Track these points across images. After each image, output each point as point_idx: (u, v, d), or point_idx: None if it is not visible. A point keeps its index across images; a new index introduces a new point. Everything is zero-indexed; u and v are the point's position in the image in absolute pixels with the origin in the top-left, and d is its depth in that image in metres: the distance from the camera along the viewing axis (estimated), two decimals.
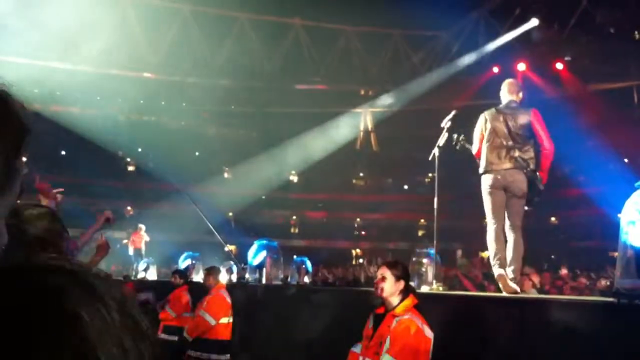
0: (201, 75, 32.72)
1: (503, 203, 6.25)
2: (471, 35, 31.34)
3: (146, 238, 20.49)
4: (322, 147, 34.94)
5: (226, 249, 14.99)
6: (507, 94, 6.57)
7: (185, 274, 11.28)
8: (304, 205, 36.77)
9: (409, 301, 4.30)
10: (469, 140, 6.78)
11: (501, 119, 6.34)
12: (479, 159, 6.45)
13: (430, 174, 25.56)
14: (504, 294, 5.88)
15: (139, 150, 35.72)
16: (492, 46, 29.99)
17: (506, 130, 6.28)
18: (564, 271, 11.47)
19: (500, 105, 6.55)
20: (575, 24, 27.73)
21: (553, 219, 32.11)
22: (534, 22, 28.07)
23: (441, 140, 7.03)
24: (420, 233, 33.23)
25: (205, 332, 7.99)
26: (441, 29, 33.05)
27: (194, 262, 15.66)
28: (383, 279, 4.36)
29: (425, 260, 8.56)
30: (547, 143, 6.29)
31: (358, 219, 39.23)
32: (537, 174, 6.23)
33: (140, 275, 17.25)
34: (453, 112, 7.17)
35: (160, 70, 32.43)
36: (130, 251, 20.26)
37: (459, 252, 16.01)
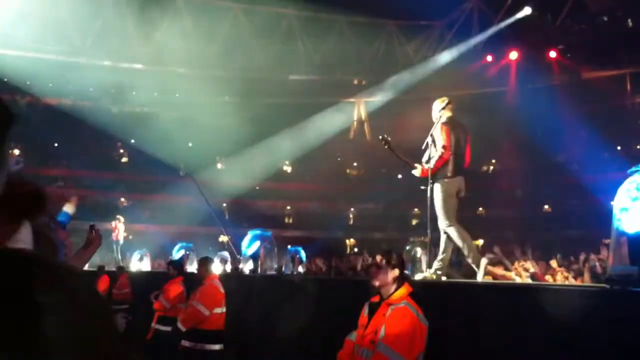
0: (194, 66, 32.64)
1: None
2: (465, 24, 31.35)
3: (121, 227, 20.44)
4: (316, 137, 34.92)
5: (221, 239, 15.01)
6: (448, 111, 7.20)
7: (179, 264, 11.26)
8: (297, 196, 36.74)
9: (404, 289, 4.31)
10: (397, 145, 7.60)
11: (459, 131, 7.06)
12: (445, 163, 6.95)
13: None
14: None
15: (132, 141, 35.63)
16: (485, 35, 29.99)
17: (463, 142, 7.02)
18: (554, 264, 11.47)
19: (449, 119, 7.15)
20: (568, 13, 27.75)
21: (546, 207, 32.18)
22: (527, 10, 28.07)
23: (434, 130, 7.07)
24: (414, 222, 33.28)
25: (199, 322, 7.99)
26: (435, 18, 33.04)
27: (187, 252, 15.67)
28: (378, 267, 4.37)
29: (419, 249, 8.58)
30: (469, 157, 7.16)
31: (352, 209, 39.24)
32: None
33: (135, 266, 17.26)
34: (446, 101, 7.21)
35: (153, 62, 32.34)
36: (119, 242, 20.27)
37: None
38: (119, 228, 20.27)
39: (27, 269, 0.65)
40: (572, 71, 30.43)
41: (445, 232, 6.91)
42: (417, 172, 7.19)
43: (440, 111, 7.18)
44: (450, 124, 7.04)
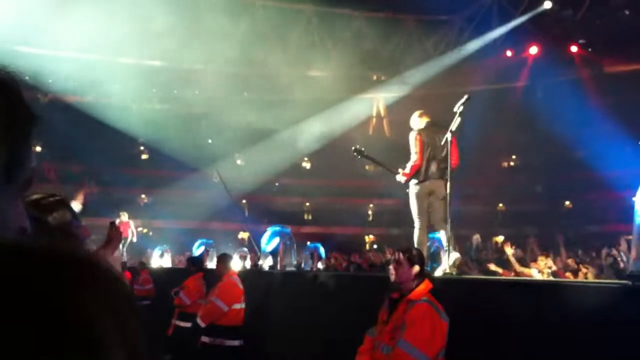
0: (213, 62, 32.68)
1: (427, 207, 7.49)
2: (484, 19, 31.12)
3: (132, 224, 19.96)
4: (335, 133, 34.85)
5: (240, 235, 15.06)
6: (424, 117, 7.65)
7: (199, 261, 11.33)
8: (316, 192, 36.74)
9: (425, 286, 4.31)
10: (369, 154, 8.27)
11: (434, 135, 7.37)
12: (419, 168, 7.39)
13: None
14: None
15: (153, 138, 35.83)
16: (504, 30, 29.77)
17: (439, 145, 7.26)
18: (571, 262, 11.36)
19: (428, 124, 7.59)
20: (589, 6, 27.45)
21: (567, 202, 31.95)
22: (547, 4, 27.79)
23: (454, 125, 7.07)
24: None
25: (218, 318, 8.05)
26: (454, 13, 32.85)
27: (208, 249, 15.73)
28: (398, 263, 4.37)
29: (438, 246, 8.57)
30: (456, 158, 7.39)
31: (371, 205, 39.19)
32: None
33: (156, 262, 17.35)
34: (465, 97, 7.18)
35: (172, 59, 32.41)
36: (133, 239, 19.81)
37: (476, 237, 15.90)
38: (130, 225, 19.65)
39: (68, 268, 0.65)
40: (593, 65, 30.18)
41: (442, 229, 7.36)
42: (399, 178, 7.66)
43: (415, 121, 7.65)
44: (422, 131, 7.46)
